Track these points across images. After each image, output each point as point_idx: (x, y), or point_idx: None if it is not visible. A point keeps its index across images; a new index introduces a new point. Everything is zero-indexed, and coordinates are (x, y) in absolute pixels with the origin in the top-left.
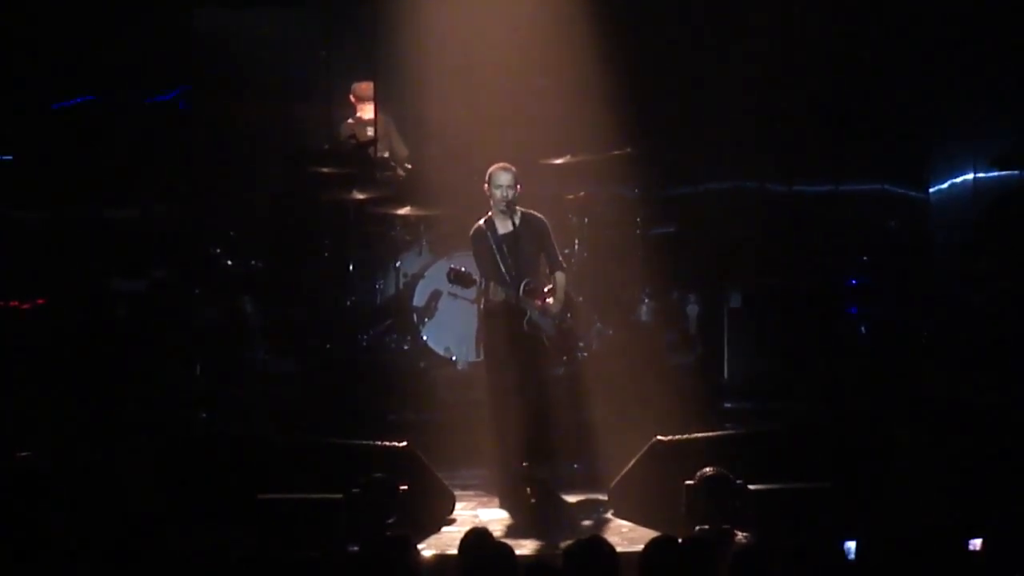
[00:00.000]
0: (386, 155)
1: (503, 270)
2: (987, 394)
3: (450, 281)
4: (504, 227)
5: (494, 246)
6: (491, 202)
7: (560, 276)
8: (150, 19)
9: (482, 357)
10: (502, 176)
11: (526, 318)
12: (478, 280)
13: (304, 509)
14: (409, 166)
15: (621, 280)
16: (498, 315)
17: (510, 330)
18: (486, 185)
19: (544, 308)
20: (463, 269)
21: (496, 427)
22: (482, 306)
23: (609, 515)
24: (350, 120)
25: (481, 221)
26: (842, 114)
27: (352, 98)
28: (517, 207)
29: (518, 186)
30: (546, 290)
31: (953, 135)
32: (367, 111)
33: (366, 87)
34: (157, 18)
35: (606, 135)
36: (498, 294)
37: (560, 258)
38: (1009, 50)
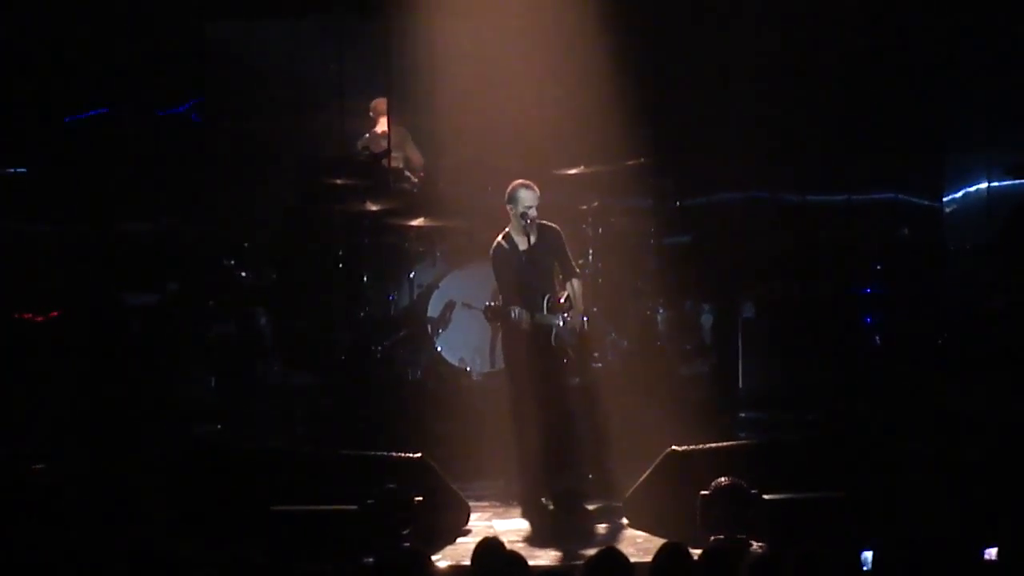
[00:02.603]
0: (399, 165)
1: (527, 288)
2: (1001, 403)
3: (488, 319)
4: (523, 243)
5: (517, 264)
6: (512, 219)
7: (576, 283)
8: (163, 32)
9: (503, 367)
10: (527, 195)
11: (553, 334)
12: (512, 311)
13: (319, 521)
14: (422, 174)
15: (635, 290)
16: (524, 332)
17: (537, 345)
18: (508, 204)
19: (567, 320)
20: (495, 304)
21: (517, 437)
22: (499, 324)
23: (624, 525)
24: (367, 135)
25: (500, 239)
26: (855, 124)
27: (371, 113)
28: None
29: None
30: (562, 300)
31: (967, 145)
32: (383, 125)
33: (384, 102)
34: (170, 31)
35: (620, 146)
36: (524, 319)
37: (574, 265)
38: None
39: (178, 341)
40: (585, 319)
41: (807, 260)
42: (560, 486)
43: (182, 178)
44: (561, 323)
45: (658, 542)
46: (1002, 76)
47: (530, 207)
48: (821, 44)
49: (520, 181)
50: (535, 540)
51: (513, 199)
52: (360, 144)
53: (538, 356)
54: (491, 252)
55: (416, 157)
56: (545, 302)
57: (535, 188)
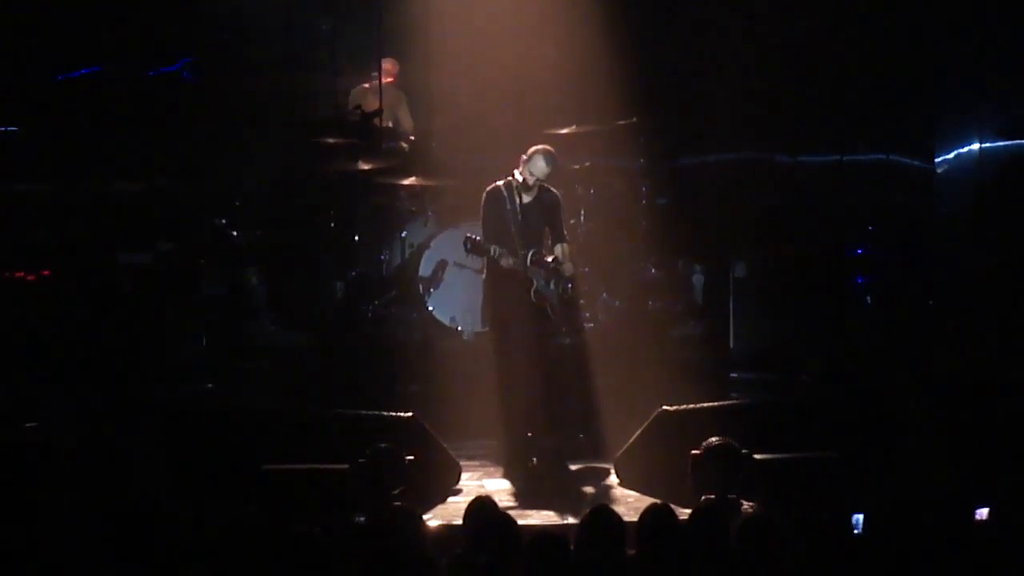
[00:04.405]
0: (390, 124)
1: (515, 238)
2: (992, 364)
3: (467, 250)
4: (524, 197)
5: (510, 213)
6: (521, 175)
7: (564, 248)
8: None
9: (487, 326)
10: (541, 164)
11: (533, 288)
12: (492, 248)
13: (310, 480)
14: (412, 138)
15: (627, 251)
16: (505, 284)
17: (517, 299)
18: (522, 162)
19: (549, 277)
20: (478, 238)
21: (502, 396)
22: (484, 273)
23: (615, 484)
24: (366, 85)
25: (501, 184)
26: (847, 85)
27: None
28: None
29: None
30: (549, 259)
31: (958, 105)
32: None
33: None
34: None
35: (612, 105)
36: (505, 260)
37: (565, 231)
38: (1016, 20)
39: (170, 301)
40: (570, 285)
41: (799, 221)
42: (546, 445)
43: (174, 137)
44: (543, 280)
45: (649, 501)
46: (994, 37)
47: (536, 173)
48: (814, 4)
49: (544, 148)
50: (526, 500)
51: (529, 160)
52: (353, 98)
53: (518, 311)
54: (485, 191)
55: (407, 123)
56: (529, 256)
57: (553, 157)
